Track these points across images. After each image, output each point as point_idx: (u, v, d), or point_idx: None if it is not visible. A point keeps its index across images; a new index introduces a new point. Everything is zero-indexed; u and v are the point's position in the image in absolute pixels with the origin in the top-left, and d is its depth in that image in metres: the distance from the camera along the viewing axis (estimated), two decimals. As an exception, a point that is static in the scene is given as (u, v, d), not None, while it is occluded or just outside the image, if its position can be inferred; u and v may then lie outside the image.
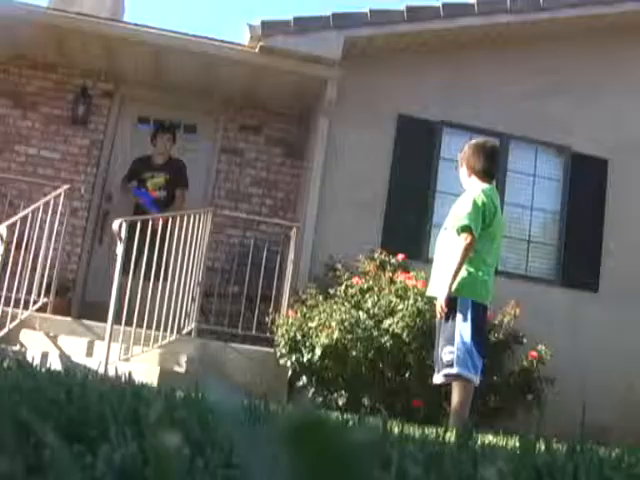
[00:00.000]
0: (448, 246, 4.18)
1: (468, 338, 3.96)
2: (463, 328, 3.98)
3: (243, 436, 0.36)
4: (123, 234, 5.36)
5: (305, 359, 5.48)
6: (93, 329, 5.80)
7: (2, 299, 5.64)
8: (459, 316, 3.99)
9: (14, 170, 7.23)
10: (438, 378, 4.08)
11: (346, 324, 5.42)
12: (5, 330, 5.53)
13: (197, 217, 6.06)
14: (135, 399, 1.43)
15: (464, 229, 4.05)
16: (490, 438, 2.75)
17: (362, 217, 6.94)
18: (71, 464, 0.50)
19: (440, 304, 4.04)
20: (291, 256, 6.39)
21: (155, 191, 6.87)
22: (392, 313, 5.55)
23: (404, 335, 5.41)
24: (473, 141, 4.57)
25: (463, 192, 4.35)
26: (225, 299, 6.61)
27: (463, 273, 4.05)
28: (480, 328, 4.12)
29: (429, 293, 4.47)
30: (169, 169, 6.96)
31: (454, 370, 3.94)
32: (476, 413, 5.11)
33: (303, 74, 6.88)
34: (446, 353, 3.97)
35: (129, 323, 5.38)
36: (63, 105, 7.49)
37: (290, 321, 5.72)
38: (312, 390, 5.54)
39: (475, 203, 4.09)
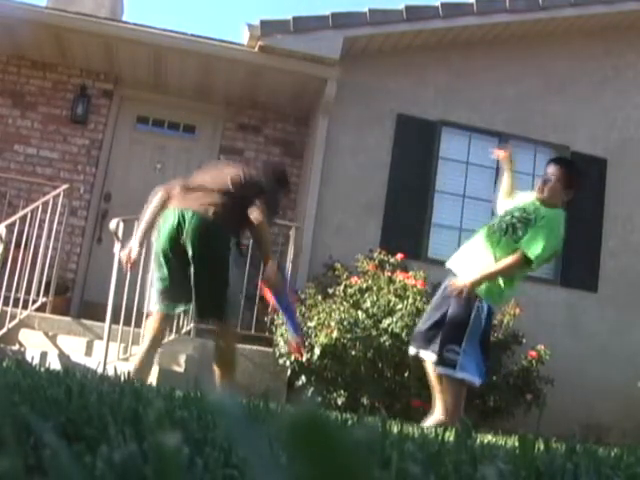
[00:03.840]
0: (503, 241, 4.06)
1: (477, 342, 3.92)
2: (474, 332, 3.92)
3: (243, 434, 0.36)
4: (120, 233, 5.34)
5: (304, 359, 5.48)
6: (92, 329, 5.80)
7: (1, 298, 5.64)
8: (473, 319, 3.92)
9: (13, 170, 7.23)
10: (439, 370, 3.98)
11: (345, 324, 5.42)
12: (4, 329, 5.52)
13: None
14: (134, 398, 1.43)
15: (531, 259, 3.96)
16: (490, 438, 2.75)
17: (361, 217, 6.94)
18: (71, 464, 0.50)
19: (456, 285, 3.95)
20: (290, 256, 6.39)
21: None
22: (391, 313, 5.55)
23: (403, 335, 5.41)
24: (574, 164, 4.49)
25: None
26: (224, 299, 6.60)
27: (497, 282, 4.00)
28: (489, 332, 4.11)
29: (450, 265, 4.27)
30: None
31: (458, 375, 3.88)
32: (475, 413, 5.11)
33: (302, 74, 6.88)
34: (450, 351, 3.89)
35: (128, 323, 5.38)
36: (62, 105, 7.49)
37: (289, 321, 5.72)
38: (311, 390, 5.54)
39: (559, 242, 4.03)
